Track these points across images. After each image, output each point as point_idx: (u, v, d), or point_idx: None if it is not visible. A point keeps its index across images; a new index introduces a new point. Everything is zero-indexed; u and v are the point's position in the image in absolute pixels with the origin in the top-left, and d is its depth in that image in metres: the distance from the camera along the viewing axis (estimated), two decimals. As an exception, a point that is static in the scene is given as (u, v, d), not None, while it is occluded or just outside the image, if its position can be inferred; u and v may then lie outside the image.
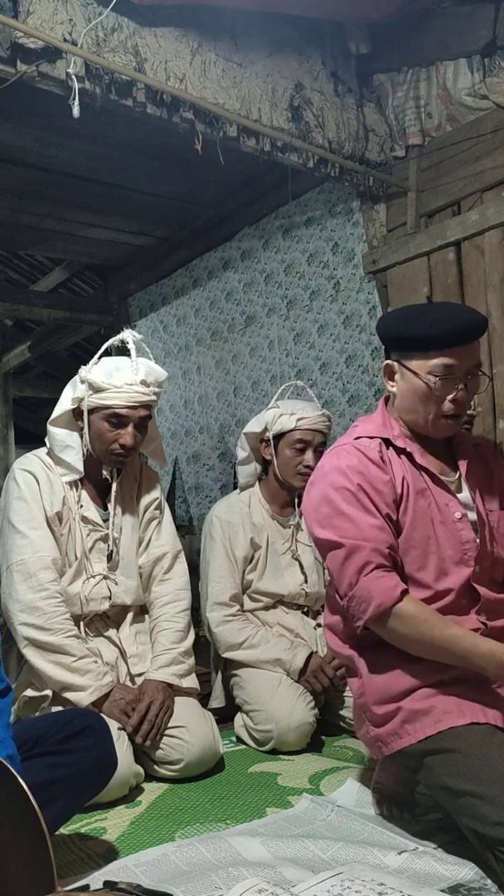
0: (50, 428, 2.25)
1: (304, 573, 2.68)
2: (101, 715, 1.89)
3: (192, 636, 2.35)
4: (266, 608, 2.67)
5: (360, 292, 3.73)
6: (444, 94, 3.25)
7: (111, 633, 2.28)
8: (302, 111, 3.18)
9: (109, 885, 1.35)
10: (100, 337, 6.26)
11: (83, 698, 2.06)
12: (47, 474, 2.24)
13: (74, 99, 2.47)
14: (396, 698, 1.64)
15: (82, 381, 2.20)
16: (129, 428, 2.20)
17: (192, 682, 2.28)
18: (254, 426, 2.73)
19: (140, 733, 2.08)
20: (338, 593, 1.72)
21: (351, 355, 3.79)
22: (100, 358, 2.24)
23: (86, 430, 2.21)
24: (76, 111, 2.47)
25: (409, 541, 1.70)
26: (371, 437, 1.78)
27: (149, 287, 5.30)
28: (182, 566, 2.43)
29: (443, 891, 1.41)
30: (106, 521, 2.30)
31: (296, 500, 2.70)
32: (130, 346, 2.23)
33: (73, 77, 2.47)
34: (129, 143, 3.60)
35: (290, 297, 4.16)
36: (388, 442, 1.78)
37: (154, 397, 2.22)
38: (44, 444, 2.30)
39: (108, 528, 2.29)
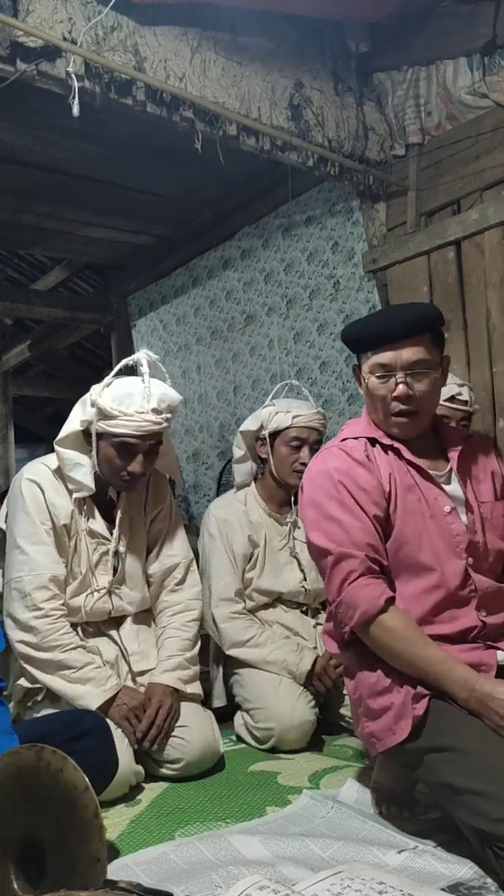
0: (57, 448, 2.17)
1: (302, 570, 2.69)
2: (105, 717, 1.89)
3: (198, 646, 2.32)
4: (265, 607, 2.68)
5: (360, 291, 3.73)
6: (444, 92, 3.24)
7: (112, 631, 2.27)
8: (302, 110, 3.18)
9: (109, 884, 1.35)
10: (100, 336, 6.26)
11: (88, 705, 2.03)
12: (55, 486, 2.17)
13: (74, 98, 2.47)
14: (389, 689, 1.65)
15: (92, 405, 2.10)
16: (139, 457, 2.11)
17: (196, 688, 2.26)
18: (250, 424, 2.74)
19: (148, 738, 2.07)
20: (328, 598, 1.74)
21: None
22: (114, 376, 2.14)
23: (94, 452, 2.13)
24: (76, 110, 2.46)
25: (401, 537, 1.72)
26: (356, 438, 1.81)
27: (149, 286, 5.29)
28: (194, 576, 2.40)
29: (443, 889, 1.41)
30: (112, 533, 2.25)
31: (292, 499, 2.71)
32: (143, 369, 2.12)
33: (73, 76, 2.47)
34: (128, 142, 3.59)
35: (289, 296, 4.15)
36: (374, 441, 1.80)
37: (166, 424, 2.12)
38: (45, 444, 2.28)
39: (114, 541, 2.24)
